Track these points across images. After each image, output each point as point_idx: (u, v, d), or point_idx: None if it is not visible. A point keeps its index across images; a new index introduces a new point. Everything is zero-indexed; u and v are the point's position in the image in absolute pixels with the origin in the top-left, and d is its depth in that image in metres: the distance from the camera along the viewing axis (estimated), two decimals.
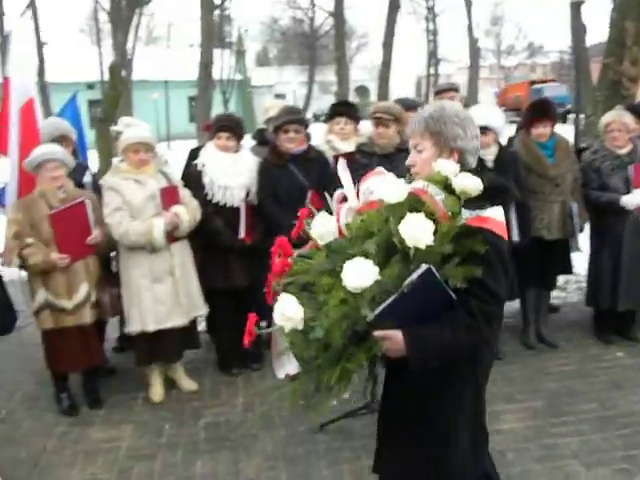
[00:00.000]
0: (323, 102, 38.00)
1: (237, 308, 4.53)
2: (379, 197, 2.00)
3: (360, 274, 1.83)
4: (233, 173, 4.49)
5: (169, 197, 4.21)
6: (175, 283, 4.28)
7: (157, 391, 4.47)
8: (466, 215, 1.95)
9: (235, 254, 4.54)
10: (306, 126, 4.68)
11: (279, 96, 36.73)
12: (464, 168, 2.11)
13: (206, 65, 20.37)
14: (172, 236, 4.23)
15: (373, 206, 2.04)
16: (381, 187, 2.00)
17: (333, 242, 2.09)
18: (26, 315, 4.47)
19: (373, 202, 2.06)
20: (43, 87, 28.33)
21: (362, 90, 48.76)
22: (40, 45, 29.21)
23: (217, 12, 27.35)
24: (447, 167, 2.02)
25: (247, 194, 4.56)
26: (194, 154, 4.88)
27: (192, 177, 4.56)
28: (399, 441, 2.27)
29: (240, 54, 35.74)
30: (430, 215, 1.88)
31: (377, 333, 1.91)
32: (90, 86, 33.06)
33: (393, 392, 2.31)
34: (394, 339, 1.93)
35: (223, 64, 29.13)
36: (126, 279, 4.29)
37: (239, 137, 4.63)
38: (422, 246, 1.82)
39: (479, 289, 1.99)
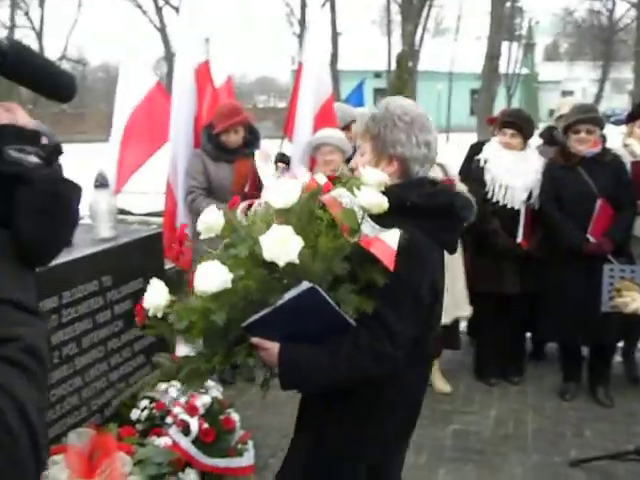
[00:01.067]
0: (615, 101, 35.04)
1: (503, 315, 4.26)
2: (266, 200, 1.75)
3: (209, 278, 1.63)
4: (516, 173, 4.21)
5: None
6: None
7: None
8: (370, 233, 1.66)
9: (509, 259, 4.27)
10: (601, 127, 4.20)
11: (566, 93, 34.75)
12: (407, 178, 1.89)
13: (492, 58, 19.88)
14: None
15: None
16: (272, 190, 1.71)
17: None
18: None
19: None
20: (335, 75, 30.10)
21: None
22: (335, 35, 31.06)
23: (508, 4, 26.53)
24: (372, 177, 1.73)
25: (529, 196, 4.24)
26: (476, 149, 4.69)
27: (473, 173, 4.37)
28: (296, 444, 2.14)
29: (529, 47, 34.39)
30: (331, 228, 1.63)
31: (254, 340, 1.73)
32: (377, 75, 34.42)
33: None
34: (270, 351, 1.75)
35: (510, 57, 28.23)
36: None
37: (526, 135, 4.31)
38: (281, 263, 1.56)
39: (375, 322, 1.73)
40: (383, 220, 1.72)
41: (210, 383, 3.58)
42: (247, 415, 3.65)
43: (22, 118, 0.87)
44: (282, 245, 1.56)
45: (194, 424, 3.14)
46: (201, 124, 4.55)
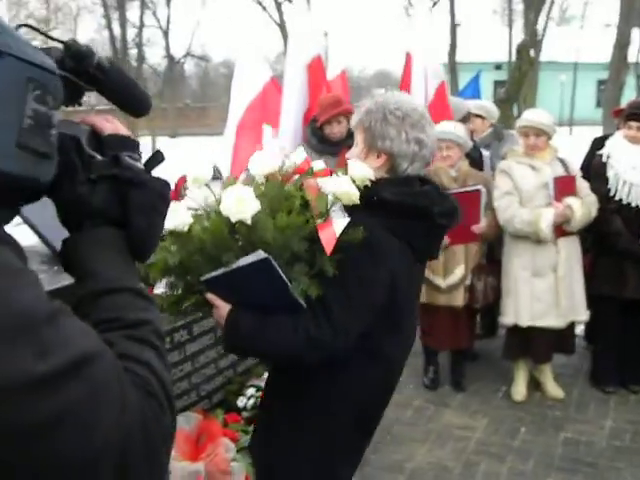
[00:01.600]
0: None
1: (624, 321, 4.02)
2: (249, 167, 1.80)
3: (172, 215, 1.65)
4: None
5: (563, 187, 3.87)
6: (557, 281, 3.95)
7: (520, 390, 4.23)
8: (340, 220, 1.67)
9: (633, 261, 4.01)
10: None
11: None
12: (394, 174, 1.87)
13: (621, 46, 18.74)
14: (561, 229, 3.89)
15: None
16: (257, 159, 1.78)
17: None
18: None
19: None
20: (453, 66, 29.50)
21: None
22: (454, 26, 30.39)
23: None
24: (356, 170, 1.75)
25: None
26: (598, 143, 4.43)
27: (594, 169, 4.14)
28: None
29: None
30: (303, 208, 1.68)
31: (208, 296, 1.78)
32: (498, 67, 33.36)
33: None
34: (220, 311, 1.79)
35: None
36: (506, 268, 4.13)
37: None
38: (233, 219, 1.63)
39: (319, 309, 1.73)
40: (354, 212, 1.73)
41: None
42: None
43: (122, 128, 0.95)
44: (239, 204, 1.64)
45: None
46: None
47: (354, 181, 1.74)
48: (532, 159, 3.96)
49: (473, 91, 5.66)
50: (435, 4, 31.22)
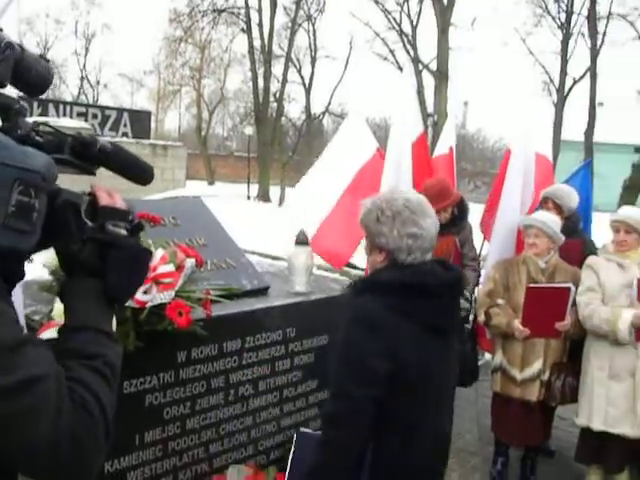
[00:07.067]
0: None
1: None
2: None
3: None
4: None
5: None
6: (635, 386, 3.78)
7: None
8: None
9: None
10: None
11: None
12: (394, 264, 2.09)
13: None
14: None
15: None
16: None
17: None
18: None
19: None
20: (590, 147, 28.58)
21: None
22: (593, 105, 29.50)
23: None
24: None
25: None
26: None
27: None
28: None
29: None
30: None
31: None
32: (637, 149, 31.98)
33: None
34: None
35: None
36: (584, 367, 4.01)
37: None
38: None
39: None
40: (360, 295, 2.09)
41: None
42: None
43: (118, 201, 1.24)
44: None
45: None
46: None
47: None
48: (621, 257, 3.87)
49: (583, 181, 5.43)
50: (576, 82, 30.57)
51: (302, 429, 2.09)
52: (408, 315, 2.05)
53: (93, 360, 1.12)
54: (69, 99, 37.00)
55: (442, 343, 2.18)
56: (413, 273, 2.08)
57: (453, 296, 2.18)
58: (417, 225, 2.08)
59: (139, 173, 1.33)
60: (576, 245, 4.40)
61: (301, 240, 3.77)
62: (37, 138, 1.16)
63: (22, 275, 1.14)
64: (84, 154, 1.22)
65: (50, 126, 1.21)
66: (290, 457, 2.03)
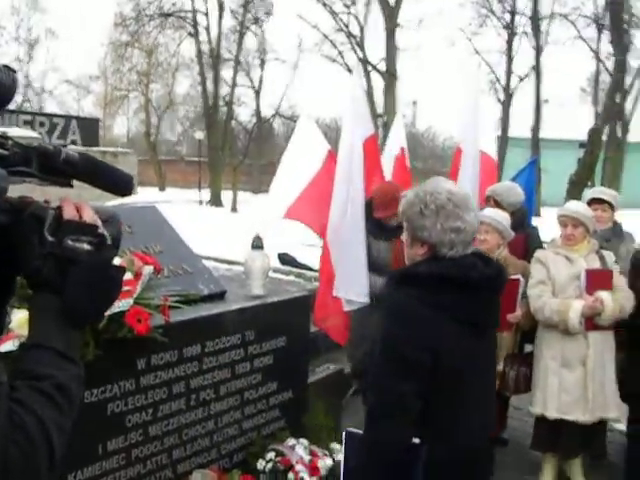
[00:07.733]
0: None
1: None
2: None
3: None
4: None
5: (596, 280, 3.88)
6: (585, 374, 3.92)
7: None
8: None
9: None
10: None
11: None
12: (435, 258, 2.08)
13: None
14: (591, 323, 3.88)
15: None
16: None
17: None
18: None
19: None
20: (536, 143, 29.30)
21: None
22: (539, 103, 30.27)
23: None
24: None
25: None
26: None
27: (633, 264, 4.11)
28: None
29: None
30: None
31: None
32: (582, 145, 32.84)
33: None
34: None
35: None
36: (537, 357, 4.14)
37: None
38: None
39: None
40: (398, 288, 2.10)
41: (336, 446, 3.69)
42: None
43: (86, 214, 1.15)
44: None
45: None
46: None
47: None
48: (569, 250, 4.00)
49: (528, 178, 5.61)
50: (522, 80, 31.32)
51: (349, 429, 2.05)
52: (446, 308, 2.04)
53: (41, 381, 1.05)
54: (12, 107, 36.05)
55: (482, 336, 2.17)
56: (455, 266, 2.06)
57: (494, 290, 2.16)
58: (461, 219, 2.05)
59: (113, 184, 1.23)
60: (520, 239, 4.52)
61: (257, 244, 3.79)
62: (0, 151, 1.09)
63: None
64: (47, 166, 1.15)
65: (10, 137, 1.14)
66: (342, 458, 2.02)
